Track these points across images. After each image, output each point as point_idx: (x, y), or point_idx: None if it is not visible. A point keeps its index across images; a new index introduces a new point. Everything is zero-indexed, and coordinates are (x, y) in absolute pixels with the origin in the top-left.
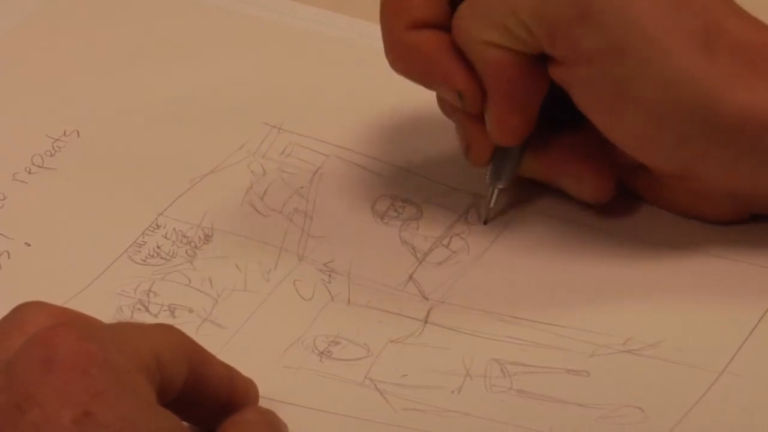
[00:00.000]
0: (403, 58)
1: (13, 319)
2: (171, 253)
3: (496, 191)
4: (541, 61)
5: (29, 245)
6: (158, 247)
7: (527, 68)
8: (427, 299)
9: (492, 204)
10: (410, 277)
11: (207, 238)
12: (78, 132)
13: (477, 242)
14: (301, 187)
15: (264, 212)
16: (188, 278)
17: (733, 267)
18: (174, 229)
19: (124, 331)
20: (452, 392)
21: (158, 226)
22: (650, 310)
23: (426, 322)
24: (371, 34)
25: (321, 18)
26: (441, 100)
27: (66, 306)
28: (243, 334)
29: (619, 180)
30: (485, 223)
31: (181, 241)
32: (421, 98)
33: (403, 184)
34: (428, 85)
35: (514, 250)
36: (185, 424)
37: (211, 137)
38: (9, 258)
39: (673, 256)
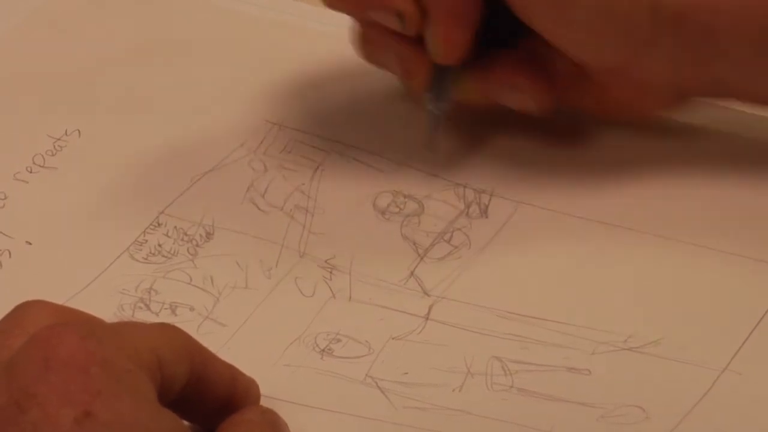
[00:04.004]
0: None
1: (14, 318)
2: (172, 251)
3: (439, 115)
4: None
5: (30, 244)
6: (159, 245)
7: None
8: (428, 295)
9: (434, 131)
10: (411, 273)
11: (208, 236)
12: (79, 131)
13: (478, 237)
14: (302, 184)
15: (265, 209)
16: (189, 276)
17: (735, 264)
18: (175, 227)
19: (124, 330)
20: (453, 390)
21: (159, 224)
22: (652, 307)
23: (427, 318)
24: None
25: (322, 15)
26: (364, 42)
27: (67, 305)
28: (244, 332)
29: (557, 95)
30: (429, 150)
31: (182, 239)
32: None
33: (404, 180)
34: (364, 14)
35: (515, 245)
36: (186, 423)
37: (212, 135)
38: (10, 257)
39: (674, 253)
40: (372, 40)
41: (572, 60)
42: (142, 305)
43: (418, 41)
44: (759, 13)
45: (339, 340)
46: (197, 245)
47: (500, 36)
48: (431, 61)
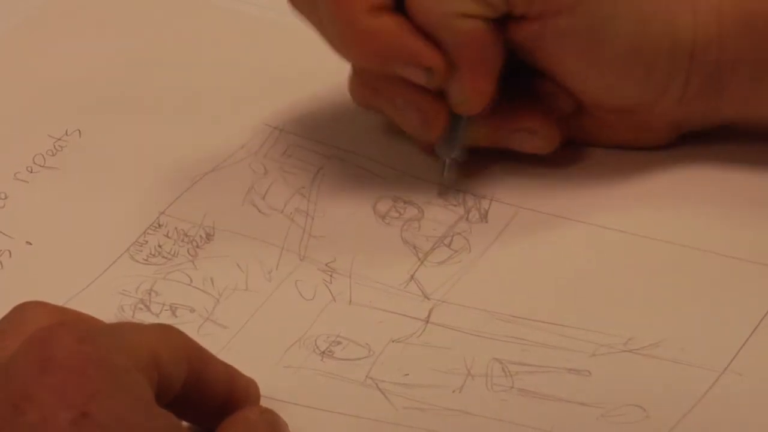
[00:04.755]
0: (367, 45)
1: (12, 319)
2: (172, 253)
3: (448, 163)
4: (501, 24)
5: (30, 244)
6: (160, 247)
7: (495, 33)
8: (428, 299)
9: (446, 176)
10: (412, 276)
11: (208, 238)
12: (79, 131)
13: (478, 241)
14: (303, 187)
15: (265, 212)
16: (189, 277)
17: (735, 265)
18: (175, 228)
19: (122, 331)
20: (454, 391)
21: (160, 225)
22: (651, 309)
23: (427, 321)
24: None
25: None
26: (363, 90)
27: (67, 305)
28: (244, 333)
29: (563, 131)
30: (441, 196)
31: (182, 240)
32: None
33: (405, 185)
34: (392, 68)
35: (515, 249)
36: (185, 424)
37: (212, 137)
38: (10, 257)
39: (674, 254)
40: (382, 90)
41: (576, 100)
42: (142, 306)
43: (438, 93)
44: (758, 44)
45: (339, 343)
46: (197, 246)
47: (507, 80)
48: (448, 111)
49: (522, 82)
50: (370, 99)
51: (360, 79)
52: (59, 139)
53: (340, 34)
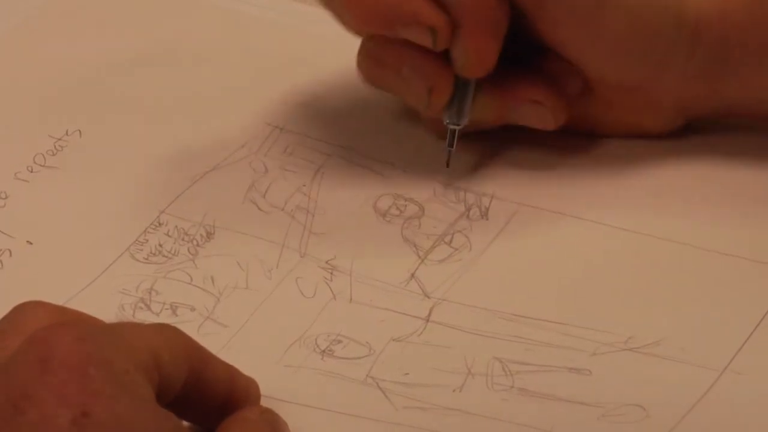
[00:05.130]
0: (371, 7)
1: (12, 319)
2: (173, 251)
3: (456, 132)
4: None
5: (31, 244)
6: (160, 245)
7: None
8: (429, 297)
9: (454, 147)
10: (412, 275)
11: (209, 236)
12: (80, 131)
13: (479, 239)
14: (303, 185)
15: (266, 210)
16: (190, 276)
17: (735, 264)
18: (176, 226)
19: (123, 331)
20: (454, 391)
21: (160, 224)
22: (652, 308)
23: (428, 320)
24: None
25: (325, 18)
26: (374, 64)
27: (68, 305)
28: (245, 332)
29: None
30: (448, 166)
31: (182, 239)
32: None
33: (405, 183)
34: (395, 30)
35: (516, 247)
36: (185, 423)
37: (213, 136)
38: (11, 256)
39: (675, 253)
40: (387, 60)
41: (582, 78)
42: (142, 305)
43: (442, 57)
44: (764, 23)
45: (340, 341)
46: (198, 245)
47: (513, 54)
48: (454, 77)
49: (529, 59)
50: (378, 72)
51: (367, 52)
52: (60, 139)
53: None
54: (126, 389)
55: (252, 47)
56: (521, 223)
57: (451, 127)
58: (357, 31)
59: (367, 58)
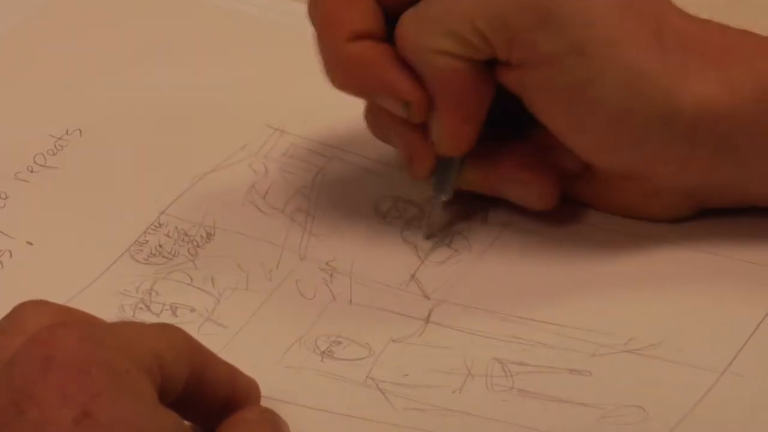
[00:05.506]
0: (345, 72)
1: (14, 318)
2: (173, 252)
3: (439, 204)
4: (488, 67)
5: (31, 244)
6: (160, 246)
7: (478, 75)
8: (428, 298)
9: (435, 218)
10: (412, 276)
11: (209, 237)
12: (80, 131)
13: (479, 241)
14: (304, 187)
15: (266, 211)
16: (190, 277)
17: (735, 266)
18: (176, 227)
19: (124, 330)
20: (454, 392)
21: (160, 225)
22: (652, 309)
23: (428, 321)
24: None
25: None
26: (373, 120)
27: (68, 305)
28: (244, 333)
29: (563, 188)
30: (428, 238)
31: (183, 240)
32: None
33: (405, 185)
34: (371, 98)
35: (515, 248)
36: (187, 423)
37: (213, 137)
38: (11, 257)
39: (675, 255)
40: (379, 120)
41: (581, 161)
42: (142, 306)
43: (423, 129)
44: None
45: (339, 343)
46: (198, 246)
47: (509, 124)
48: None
49: (527, 129)
50: (374, 129)
51: (367, 108)
52: (60, 139)
53: (323, 58)
54: (128, 389)
55: (252, 47)
56: (521, 225)
57: (434, 200)
58: (340, 90)
59: (367, 113)
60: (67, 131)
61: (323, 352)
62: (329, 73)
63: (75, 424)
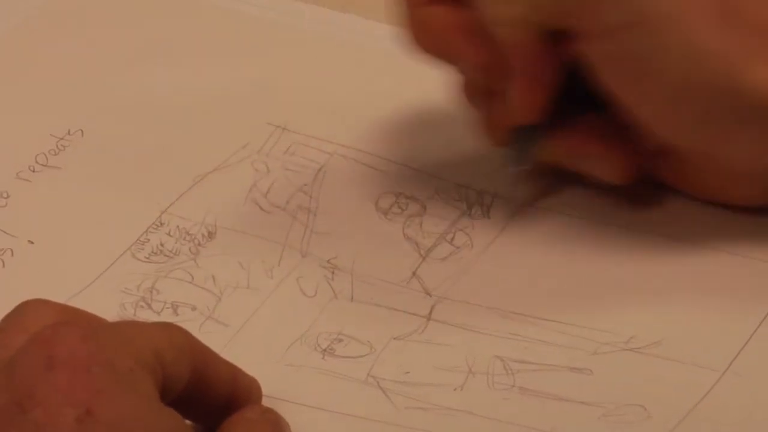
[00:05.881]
0: (422, 35)
1: (16, 317)
2: (174, 251)
3: (516, 174)
4: (557, 37)
5: (32, 243)
6: (161, 245)
7: (548, 44)
8: (430, 295)
9: (516, 184)
10: (414, 273)
11: (210, 236)
12: (82, 131)
13: (481, 238)
14: (305, 185)
15: (267, 209)
16: (191, 275)
17: (737, 263)
18: (177, 226)
19: (126, 329)
20: (455, 390)
21: (161, 224)
22: (654, 308)
23: (429, 318)
24: (375, 34)
25: (325, 17)
26: (462, 82)
27: (69, 304)
28: (246, 331)
29: (643, 165)
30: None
31: (184, 239)
32: (425, 97)
33: (407, 181)
34: (449, 62)
35: (517, 246)
36: (188, 422)
37: (215, 136)
38: (12, 256)
39: (676, 253)
40: (466, 87)
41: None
42: (144, 304)
43: (504, 95)
44: None
45: (341, 340)
46: (199, 244)
47: (585, 97)
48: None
49: (606, 106)
50: (467, 94)
51: (459, 79)
52: (62, 139)
53: (401, 21)
54: (130, 387)
55: (252, 47)
56: (523, 222)
57: (514, 169)
58: (420, 53)
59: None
60: (69, 131)
61: (324, 350)
62: (408, 34)
63: (77, 423)
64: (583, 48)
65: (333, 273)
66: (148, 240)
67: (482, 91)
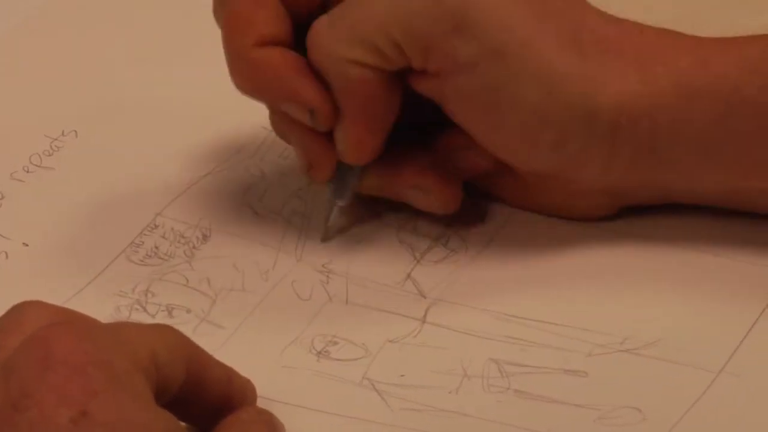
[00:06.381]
0: (252, 77)
1: (11, 318)
2: (169, 254)
3: (335, 209)
4: (398, 77)
5: (27, 245)
6: (156, 248)
7: (387, 86)
8: (425, 298)
9: (330, 222)
10: (408, 276)
11: (205, 238)
12: (76, 132)
13: (475, 241)
14: (299, 189)
15: (262, 213)
16: (186, 278)
17: (731, 266)
18: (172, 229)
19: (121, 331)
20: (450, 392)
21: (156, 226)
22: (648, 309)
23: (424, 321)
24: None
25: None
26: (276, 122)
27: (64, 306)
28: (241, 334)
29: (481, 186)
30: (323, 241)
31: (179, 241)
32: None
33: None
34: (276, 104)
35: (511, 248)
36: (183, 423)
37: (210, 139)
38: (7, 258)
39: (670, 255)
40: (280, 125)
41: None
42: (138, 307)
43: (326, 135)
44: (696, 117)
45: (336, 343)
46: (194, 247)
47: (408, 131)
48: (336, 157)
49: (429, 135)
50: (278, 131)
51: (270, 111)
52: (56, 139)
53: (229, 63)
54: (125, 388)
55: None
56: (517, 225)
57: (330, 204)
58: (246, 95)
59: (271, 116)
60: (63, 132)
61: (319, 353)
62: (234, 77)
63: (73, 424)
64: (433, 85)
65: (328, 277)
66: (143, 242)
67: (303, 133)
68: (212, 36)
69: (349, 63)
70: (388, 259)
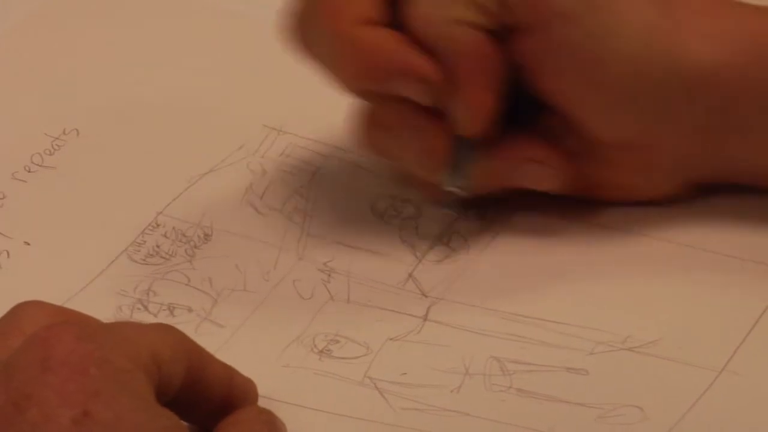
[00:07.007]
0: (361, 57)
1: (12, 318)
2: (170, 253)
3: (459, 195)
4: (502, 37)
5: (28, 244)
6: (158, 247)
7: (494, 44)
8: (426, 296)
9: (456, 213)
10: (410, 275)
11: (206, 238)
12: (77, 131)
13: (476, 240)
14: (301, 187)
15: (263, 211)
16: (188, 277)
17: (732, 264)
18: (173, 228)
19: (122, 330)
20: (451, 391)
21: (158, 225)
22: (649, 307)
23: (425, 319)
24: None
25: None
26: (381, 125)
27: (65, 305)
28: (242, 333)
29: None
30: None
31: (180, 241)
32: None
33: (403, 184)
34: (387, 83)
35: (513, 247)
36: (184, 423)
37: (211, 137)
38: (8, 257)
39: (672, 253)
40: (386, 121)
41: (583, 138)
42: (140, 306)
43: (439, 115)
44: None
45: (337, 341)
46: (195, 246)
47: (510, 114)
48: (450, 136)
49: (527, 119)
50: (375, 135)
51: (365, 117)
52: (57, 138)
53: (333, 49)
54: (126, 388)
55: (251, 48)
56: (519, 224)
57: (453, 190)
58: (350, 87)
59: (366, 124)
60: (64, 131)
61: (321, 351)
62: (341, 62)
63: (74, 424)
64: (529, 43)
65: (329, 275)
66: (145, 242)
67: (413, 112)
68: (212, 34)
69: (454, 23)
70: (389, 259)
